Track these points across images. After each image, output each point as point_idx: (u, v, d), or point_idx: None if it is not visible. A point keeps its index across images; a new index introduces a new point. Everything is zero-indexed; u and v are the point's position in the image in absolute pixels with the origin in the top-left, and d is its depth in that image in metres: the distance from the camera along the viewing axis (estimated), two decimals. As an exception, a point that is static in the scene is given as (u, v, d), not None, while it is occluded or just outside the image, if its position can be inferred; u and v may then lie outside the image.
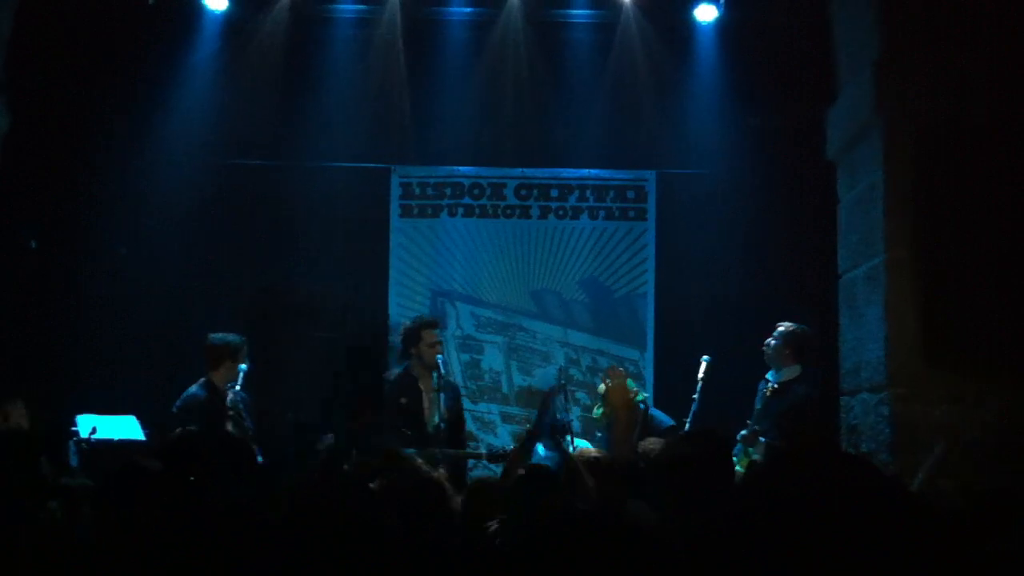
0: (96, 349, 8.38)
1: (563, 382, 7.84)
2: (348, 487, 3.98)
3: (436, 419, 6.81)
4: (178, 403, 6.91)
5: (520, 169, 9.29)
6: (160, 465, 3.97)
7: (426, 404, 6.96)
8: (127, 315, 8.53)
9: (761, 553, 1.77)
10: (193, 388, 7.01)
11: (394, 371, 7.28)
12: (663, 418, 7.22)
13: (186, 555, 2.68)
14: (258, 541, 2.71)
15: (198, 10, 8.70)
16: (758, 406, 6.86)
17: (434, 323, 7.17)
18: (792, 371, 6.88)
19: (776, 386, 6.82)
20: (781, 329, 6.98)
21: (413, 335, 7.06)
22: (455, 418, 7.08)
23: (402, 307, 9.02)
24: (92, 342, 8.43)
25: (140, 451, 6.27)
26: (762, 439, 6.56)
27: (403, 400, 6.92)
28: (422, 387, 6.96)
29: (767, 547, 1.77)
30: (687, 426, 6.77)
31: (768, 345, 6.98)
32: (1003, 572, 2.64)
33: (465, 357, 8.98)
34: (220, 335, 7.12)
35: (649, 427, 7.14)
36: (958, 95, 6.17)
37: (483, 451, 7.31)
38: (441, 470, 6.35)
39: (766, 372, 7.01)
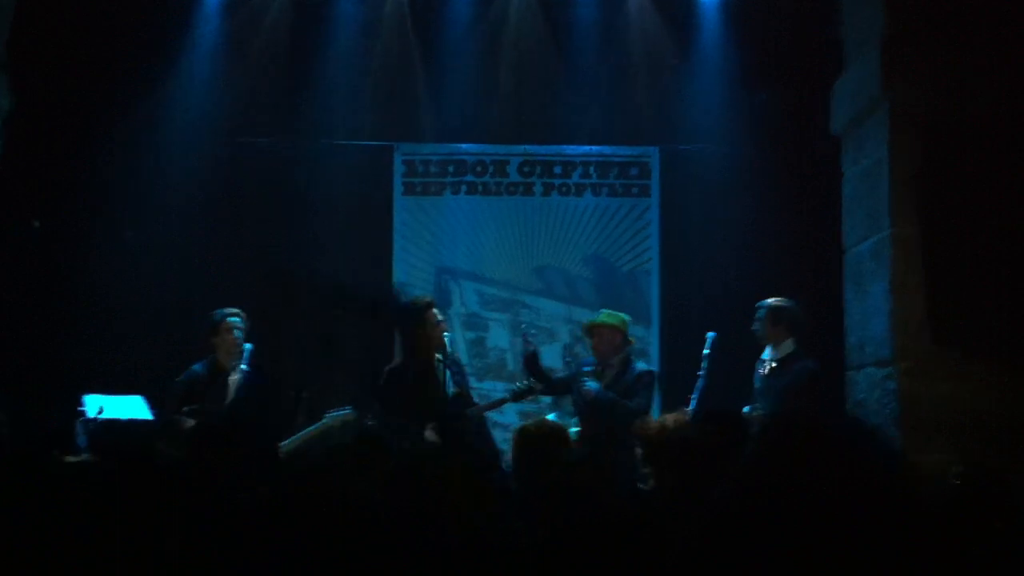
0: (103, 329, 8.38)
1: (568, 360, 7.87)
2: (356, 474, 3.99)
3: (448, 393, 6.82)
4: (177, 379, 6.94)
5: (523, 146, 9.27)
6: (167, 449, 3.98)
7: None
8: (133, 295, 8.52)
9: (755, 539, 1.78)
10: (196, 366, 7.02)
11: (392, 363, 7.23)
12: (640, 364, 7.19)
13: (186, 545, 2.69)
14: (255, 531, 2.71)
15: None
16: (757, 385, 6.84)
17: (433, 302, 7.14)
18: (787, 346, 6.81)
19: (774, 364, 6.78)
20: (765, 306, 6.89)
21: (418, 316, 6.98)
22: (465, 391, 7.08)
23: (406, 285, 9.01)
24: (99, 322, 8.42)
25: (148, 433, 6.29)
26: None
27: (408, 382, 6.89)
28: (429, 366, 6.94)
29: (761, 534, 1.77)
30: (693, 403, 6.75)
31: (757, 325, 6.94)
32: (993, 550, 2.65)
33: (471, 335, 8.98)
34: (209, 314, 7.10)
35: (626, 370, 7.06)
36: (966, 72, 6.15)
37: (507, 396, 7.31)
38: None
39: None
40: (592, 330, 7.31)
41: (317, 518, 2.71)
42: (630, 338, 7.26)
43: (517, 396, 7.14)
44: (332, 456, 4.50)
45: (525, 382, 7.24)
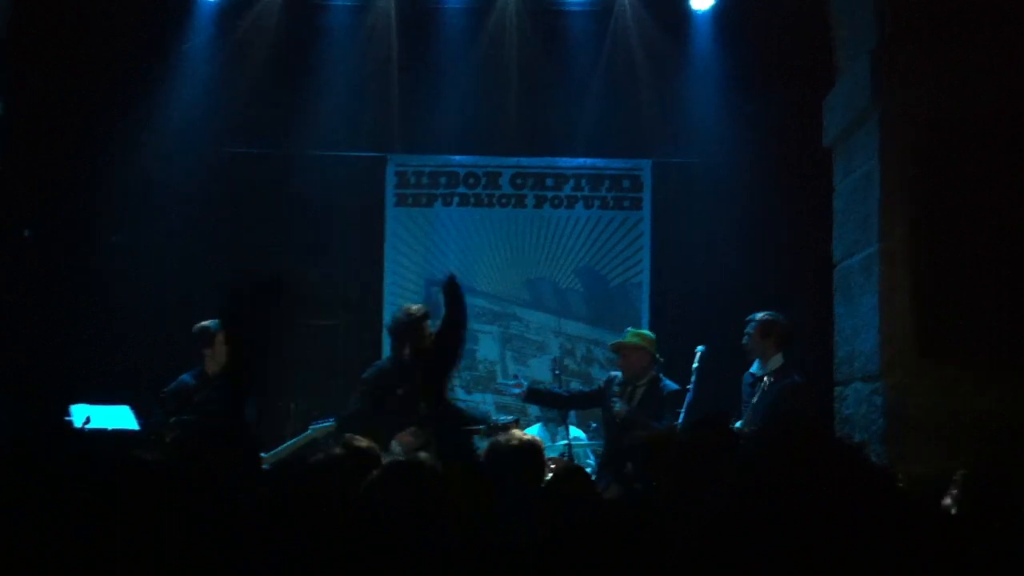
0: (91, 338, 8.37)
1: (557, 372, 7.85)
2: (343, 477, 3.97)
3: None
4: (166, 389, 6.89)
5: (515, 158, 9.28)
6: (156, 457, 3.95)
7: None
8: (122, 304, 8.52)
9: (752, 540, 1.76)
10: (185, 375, 6.98)
11: (382, 362, 7.20)
12: (668, 383, 7.16)
13: (182, 550, 2.67)
14: (254, 533, 2.70)
15: (193, -1, 8.70)
16: (748, 400, 6.81)
17: (428, 314, 7.11)
18: (776, 361, 6.81)
19: (763, 379, 6.76)
20: (755, 320, 6.88)
21: (412, 328, 6.92)
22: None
23: (396, 296, 9.01)
24: (87, 331, 8.41)
25: (135, 442, 6.27)
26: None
27: (399, 391, 6.85)
28: (414, 375, 6.89)
29: (758, 535, 1.75)
30: (681, 416, 6.74)
31: (746, 339, 6.92)
32: (988, 562, 2.63)
33: (460, 347, 8.97)
34: (200, 324, 7.04)
35: (655, 389, 7.09)
36: (957, 83, 6.13)
37: (482, 427, 7.27)
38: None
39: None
40: (618, 350, 7.31)
41: (316, 518, 2.70)
42: (658, 357, 7.21)
43: (493, 430, 7.07)
44: (326, 462, 4.48)
45: (505, 417, 7.17)
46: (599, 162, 9.28)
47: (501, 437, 4.39)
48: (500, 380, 8.18)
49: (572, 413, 7.64)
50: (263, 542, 2.66)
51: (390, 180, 9.27)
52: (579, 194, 9.24)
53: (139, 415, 6.76)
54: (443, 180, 9.28)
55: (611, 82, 9.02)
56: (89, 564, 2.64)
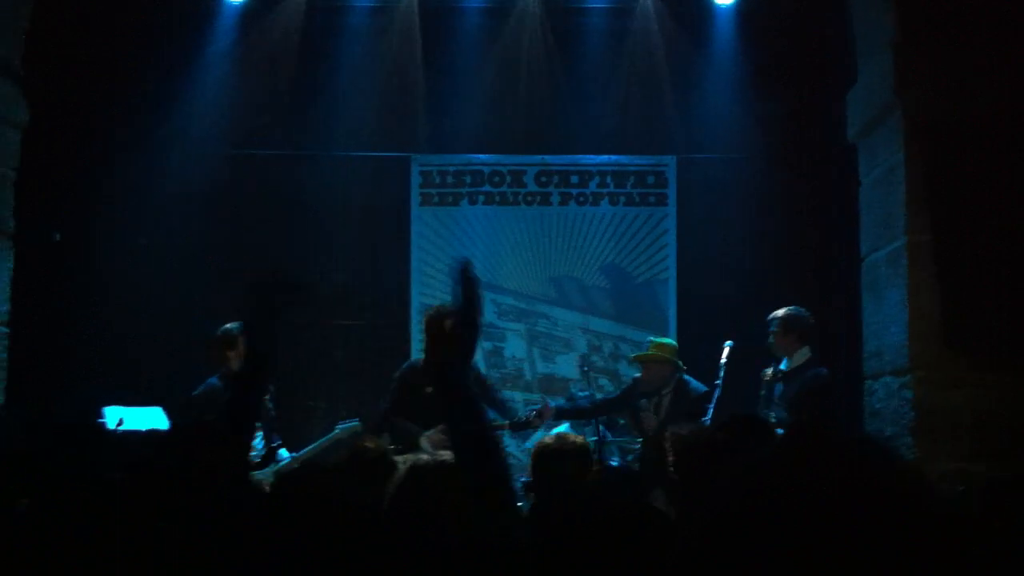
0: (121, 341, 8.44)
1: (585, 369, 7.85)
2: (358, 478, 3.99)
3: None
4: (195, 391, 6.95)
5: (540, 156, 9.28)
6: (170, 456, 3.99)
7: None
8: (152, 307, 8.58)
9: (770, 537, 1.76)
10: (212, 379, 7.04)
11: (413, 360, 7.24)
12: (696, 385, 7.16)
13: (193, 548, 2.70)
14: (264, 531, 2.72)
15: (215, 0, 8.73)
16: (767, 393, 6.78)
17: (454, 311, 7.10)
18: (802, 355, 6.75)
19: (787, 373, 6.73)
20: (776, 318, 6.82)
21: (438, 325, 6.94)
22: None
23: (424, 295, 9.03)
24: (117, 334, 8.48)
25: (154, 443, 6.33)
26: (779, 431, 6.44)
27: (428, 389, 6.88)
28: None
29: (760, 535, 1.76)
30: (710, 412, 6.72)
31: (771, 339, 6.87)
32: (1013, 560, 2.62)
33: (488, 345, 8.99)
34: (223, 327, 7.11)
35: (683, 393, 7.11)
36: (978, 76, 6.11)
37: (506, 423, 7.30)
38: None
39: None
40: (640, 363, 7.36)
41: (317, 518, 2.72)
42: (680, 365, 7.24)
43: (516, 427, 7.10)
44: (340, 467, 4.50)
45: (529, 412, 7.20)
46: (623, 159, 9.26)
47: (548, 439, 4.38)
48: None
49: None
50: (261, 544, 2.68)
51: (415, 180, 9.28)
52: (604, 191, 9.23)
53: (171, 416, 6.83)
54: (468, 179, 9.29)
55: (634, 78, 9.01)
56: (89, 563, 2.67)
